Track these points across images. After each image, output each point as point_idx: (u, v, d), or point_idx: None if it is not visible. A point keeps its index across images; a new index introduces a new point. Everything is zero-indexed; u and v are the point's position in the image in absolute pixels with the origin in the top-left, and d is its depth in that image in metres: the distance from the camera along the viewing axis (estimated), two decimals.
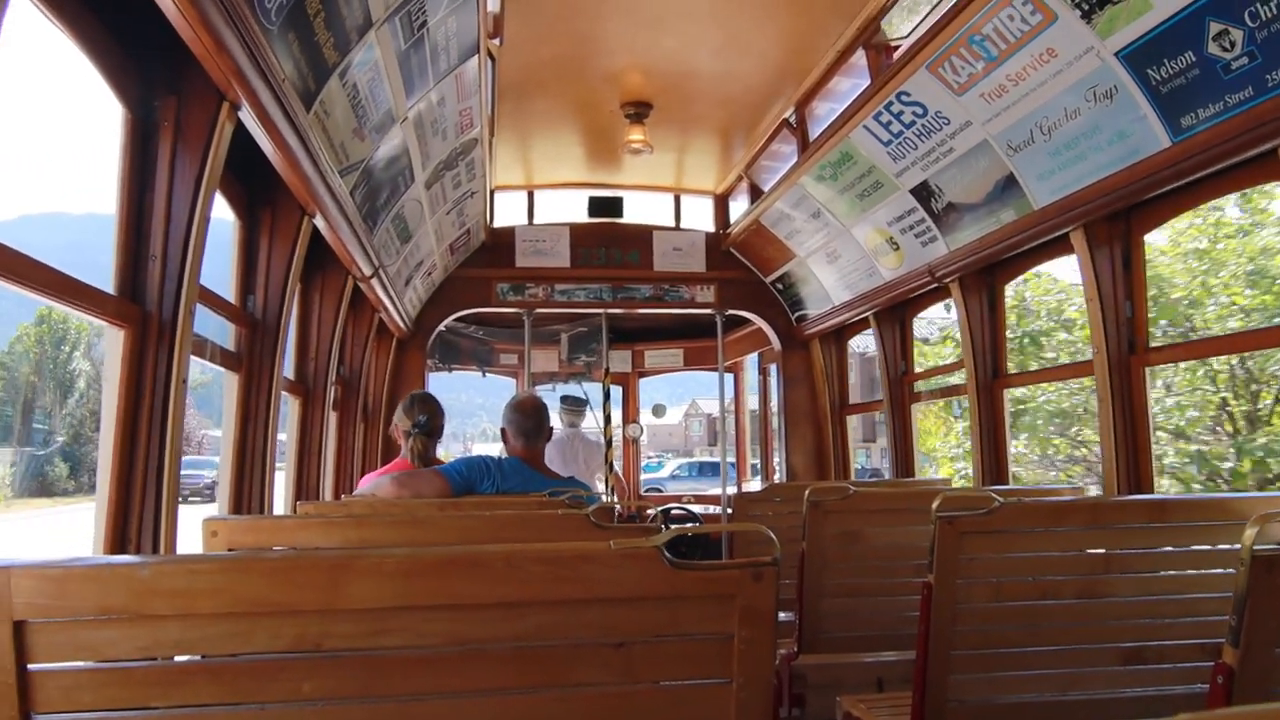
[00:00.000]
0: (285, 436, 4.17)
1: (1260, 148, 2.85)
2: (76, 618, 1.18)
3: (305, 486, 4.22)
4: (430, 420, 3.89)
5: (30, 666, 1.16)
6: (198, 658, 1.27)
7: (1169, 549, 2.35)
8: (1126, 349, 3.72)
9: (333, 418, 4.89)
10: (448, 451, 4.01)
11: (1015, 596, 2.29)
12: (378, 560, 1.23)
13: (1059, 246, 4.10)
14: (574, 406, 7.94)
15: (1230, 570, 1.54)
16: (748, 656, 1.31)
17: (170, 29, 2.07)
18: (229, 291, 3.39)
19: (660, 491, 15.84)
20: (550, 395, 8.55)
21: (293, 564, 1.24)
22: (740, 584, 1.30)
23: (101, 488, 2.29)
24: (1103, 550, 2.34)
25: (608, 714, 1.34)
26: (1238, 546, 1.52)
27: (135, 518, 2.31)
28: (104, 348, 2.40)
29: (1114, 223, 3.73)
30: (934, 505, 2.21)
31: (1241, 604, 1.50)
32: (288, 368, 4.02)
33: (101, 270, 2.38)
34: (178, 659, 1.27)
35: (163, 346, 2.38)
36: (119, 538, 2.30)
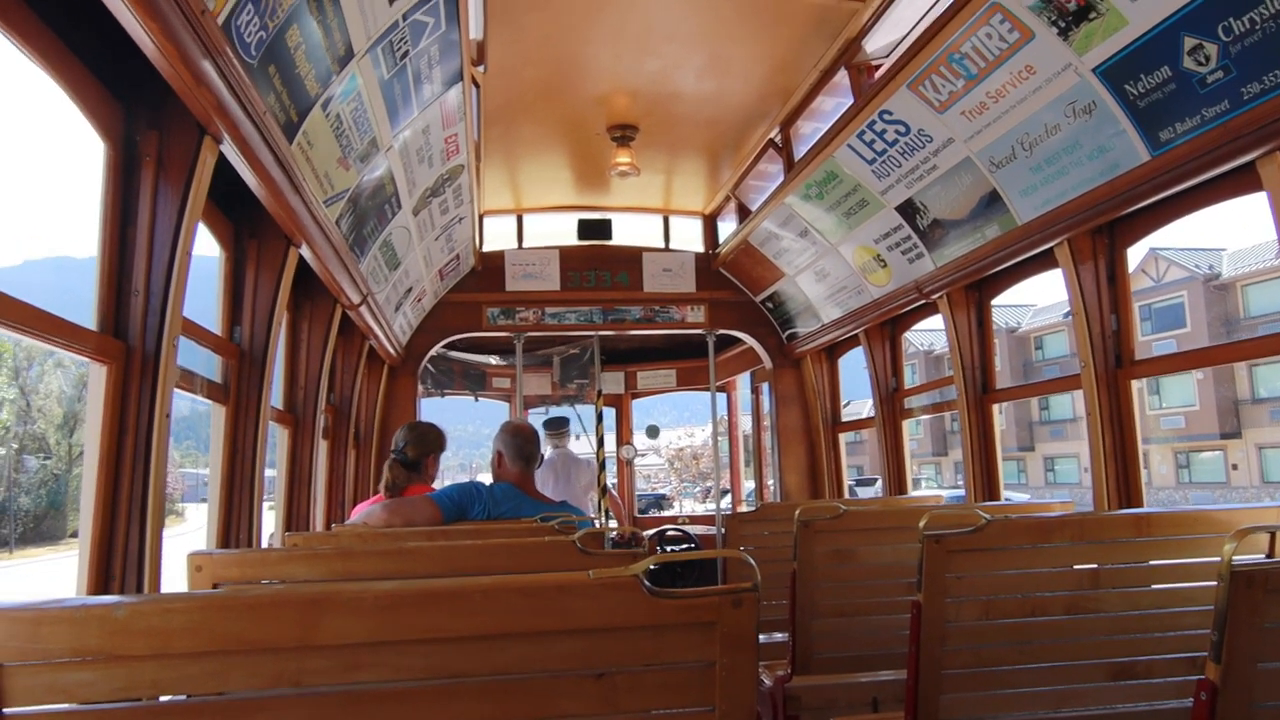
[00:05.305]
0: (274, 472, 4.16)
1: (1237, 160, 2.86)
2: (52, 660, 1.17)
3: (295, 516, 4.20)
4: (408, 449, 3.80)
5: (5, 710, 1.15)
6: (177, 698, 1.26)
7: (1155, 563, 2.34)
8: (1113, 362, 3.72)
9: (323, 446, 4.87)
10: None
11: (1005, 614, 2.27)
12: (356, 595, 1.22)
13: (1044, 261, 4.12)
14: (556, 429, 7.93)
15: (1214, 584, 1.53)
16: (730, 684, 1.31)
17: (150, 65, 2.08)
18: (216, 324, 3.39)
19: None
20: (537, 420, 8.53)
21: (270, 601, 1.23)
22: (720, 610, 1.29)
23: (85, 525, 2.28)
24: (1092, 565, 2.33)
25: None
26: (1219, 560, 1.51)
27: (119, 555, 2.30)
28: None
29: (1098, 236, 3.75)
30: (921, 524, 2.21)
31: (1222, 619, 1.49)
32: (276, 397, 4.01)
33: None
34: (156, 699, 1.26)
35: (146, 381, 2.38)
36: (102, 575, 2.29)
